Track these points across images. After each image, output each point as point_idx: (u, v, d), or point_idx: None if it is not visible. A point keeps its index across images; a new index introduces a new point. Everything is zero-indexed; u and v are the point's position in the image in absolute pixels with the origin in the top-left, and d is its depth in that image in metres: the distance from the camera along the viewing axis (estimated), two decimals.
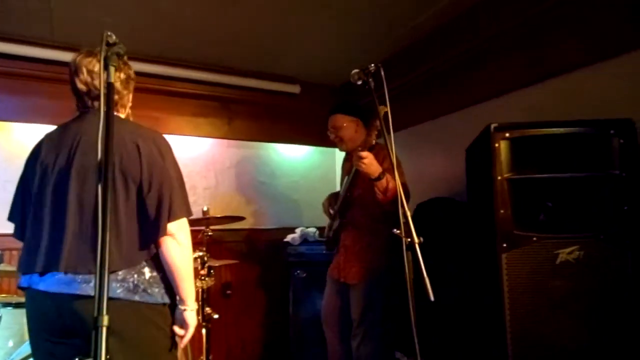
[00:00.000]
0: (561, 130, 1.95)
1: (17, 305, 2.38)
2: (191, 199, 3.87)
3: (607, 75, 2.27)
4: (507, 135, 1.95)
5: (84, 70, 1.51)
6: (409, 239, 1.62)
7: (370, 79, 1.86)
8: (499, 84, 2.81)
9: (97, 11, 2.81)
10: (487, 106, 2.90)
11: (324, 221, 3.00)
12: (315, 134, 4.06)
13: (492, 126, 1.94)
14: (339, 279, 2.75)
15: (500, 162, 1.94)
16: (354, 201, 2.72)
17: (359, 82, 1.92)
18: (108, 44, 1.19)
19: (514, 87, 2.72)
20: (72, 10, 2.79)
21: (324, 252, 3.07)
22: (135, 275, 1.42)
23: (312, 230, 3.85)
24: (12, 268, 2.58)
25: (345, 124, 2.73)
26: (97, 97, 1.51)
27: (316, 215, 3.22)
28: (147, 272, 1.44)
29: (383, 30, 3.21)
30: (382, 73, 1.79)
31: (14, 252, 3.02)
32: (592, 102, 2.30)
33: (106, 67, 1.18)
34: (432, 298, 1.52)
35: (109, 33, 1.15)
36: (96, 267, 0.85)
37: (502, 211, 1.90)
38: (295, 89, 4.06)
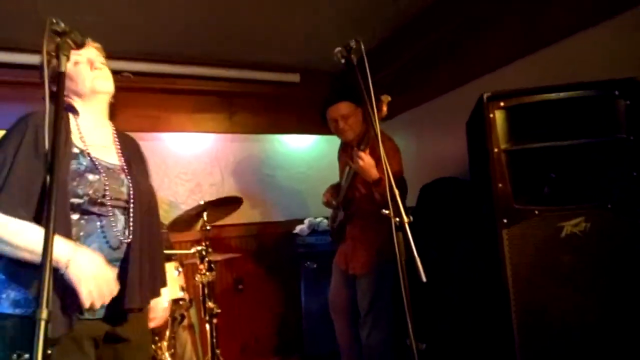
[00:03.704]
0: (561, 95, 1.83)
1: None
2: (197, 196, 3.88)
3: (606, 36, 2.15)
4: (502, 104, 1.84)
5: None
6: (397, 219, 1.54)
7: (353, 55, 1.78)
8: (495, 57, 2.70)
9: (89, 14, 2.78)
10: (485, 80, 2.79)
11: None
12: (319, 123, 3.92)
13: (485, 96, 1.84)
14: (346, 270, 2.68)
15: (496, 134, 1.83)
16: (358, 191, 2.64)
17: (342, 61, 1.83)
18: (57, 33, 1.14)
19: (511, 58, 2.61)
20: (61, 14, 2.77)
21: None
22: None
23: (320, 220, 3.79)
24: None
25: (352, 111, 2.63)
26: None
27: None
28: None
29: (374, 11, 3.11)
30: (362, 47, 1.70)
31: None
32: (593, 66, 2.18)
33: (57, 57, 1.14)
34: (424, 279, 1.44)
35: (54, 20, 1.11)
36: None
37: (500, 185, 1.80)
38: (295, 77, 3.99)
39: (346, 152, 2.81)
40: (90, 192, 1.33)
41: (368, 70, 1.66)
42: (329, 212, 3.05)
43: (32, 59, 3.12)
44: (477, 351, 2.33)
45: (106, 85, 1.51)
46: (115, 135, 1.57)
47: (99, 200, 1.35)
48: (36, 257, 1.02)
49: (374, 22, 3.25)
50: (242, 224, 3.88)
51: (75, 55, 1.38)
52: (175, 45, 3.42)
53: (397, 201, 1.58)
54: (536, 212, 1.77)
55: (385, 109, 2.25)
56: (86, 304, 1.16)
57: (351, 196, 2.68)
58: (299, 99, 4.09)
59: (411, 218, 1.56)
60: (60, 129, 1.01)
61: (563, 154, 1.84)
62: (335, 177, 3.01)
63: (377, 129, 1.66)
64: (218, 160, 3.99)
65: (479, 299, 2.32)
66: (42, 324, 0.78)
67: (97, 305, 1.19)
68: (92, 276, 1.19)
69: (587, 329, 1.68)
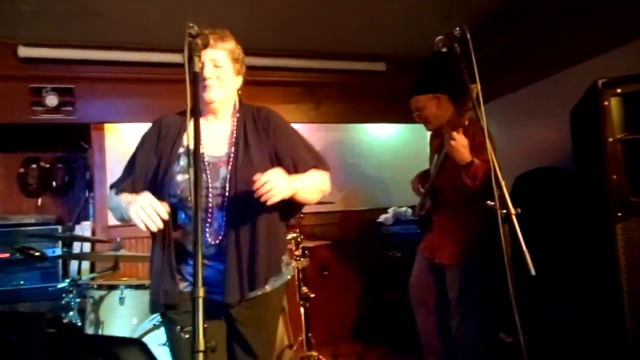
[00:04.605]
0: None
1: (138, 287, 2.63)
2: None
3: None
4: (619, 91, 1.74)
5: None
6: (504, 211, 1.51)
7: (456, 44, 1.75)
8: (602, 40, 2.52)
9: (183, 11, 2.96)
10: (589, 65, 2.61)
11: (417, 200, 2.92)
12: (403, 111, 3.89)
13: (600, 82, 1.75)
14: (432, 258, 2.67)
15: (611, 122, 1.74)
16: (447, 179, 2.61)
17: (444, 50, 1.81)
18: (192, 36, 1.24)
19: (623, 39, 2.41)
20: (160, 14, 2.97)
21: (418, 231, 3.00)
22: None
23: (404, 209, 3.78)
24: (130, 254, 2.86)
25: (425, 104, 2.67)
26: None
27: (409, 194, 3.17)
28: None
29: None
30: (468, 36, 1.66)
31: (132, 240, 3.35)
32: None
33: (191, 58, 1.24)
34: (533, 272, 1.41)
35: (190, 24, 1.21)
36: None
37: (614, 177, 1.71)
38: (380, 66, 3.99)
39: (437, 138, 2.79)
40: (178, 192, 1.47)
41: (474, 60, 1.63)
42: (413, 201, 3.04)
43: (137, 56, 3.39)
44: (577, 347, 2.23)
45: (213, 95, 1.50)
46: (235, 123, 1.60)
47: (188, 199, 1.45)
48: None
49: (462, 7, 3.15)
50: (326, 212, 3.95)
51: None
52: (265, 39, 3.53)
53: (503, 192, 1.55)
54: None
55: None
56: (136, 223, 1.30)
57: (439, 184, 2.66)
58: (384, 87, 4.07)
59: (519, 210, 1.53)
60: (199, 123, 1.10)
61: None
62: (419, 166, 3.00)
63: (483, 119, 1.64)
64: None
65: (581, 294, 2.22)
66: (200, 301, 0.87)
67: (148, 223, 1.29)
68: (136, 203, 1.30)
69: None
